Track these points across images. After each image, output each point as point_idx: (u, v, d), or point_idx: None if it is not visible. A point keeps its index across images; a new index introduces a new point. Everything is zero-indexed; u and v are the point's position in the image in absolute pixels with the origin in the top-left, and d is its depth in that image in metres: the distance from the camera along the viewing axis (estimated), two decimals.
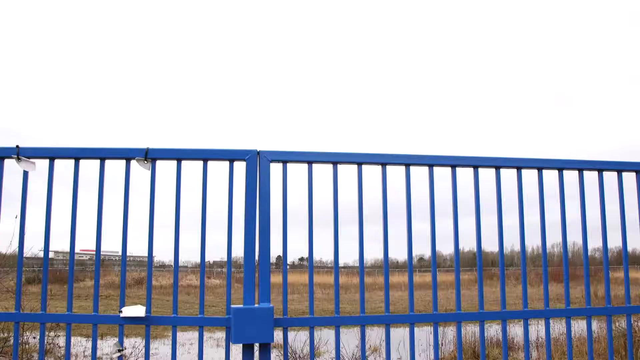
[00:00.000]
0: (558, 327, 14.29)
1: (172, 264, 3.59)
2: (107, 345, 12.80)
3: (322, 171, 3.68)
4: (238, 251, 3.54)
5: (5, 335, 6.95)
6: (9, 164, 3.45)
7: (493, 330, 14.40)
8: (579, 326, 12.80)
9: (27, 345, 6.67)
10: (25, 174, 3.46)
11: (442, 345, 13.18)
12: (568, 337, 3.87)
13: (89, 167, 3.54)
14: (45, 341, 3.55)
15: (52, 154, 3.45)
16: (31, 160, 3.42)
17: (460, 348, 3.74)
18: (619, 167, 4.02)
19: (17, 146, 3.39)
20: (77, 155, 3.46)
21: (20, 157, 3.39)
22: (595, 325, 12.42)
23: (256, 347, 3.48)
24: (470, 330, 13.12)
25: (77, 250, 3.58)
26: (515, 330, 15.26)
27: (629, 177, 4.09)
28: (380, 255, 3.83)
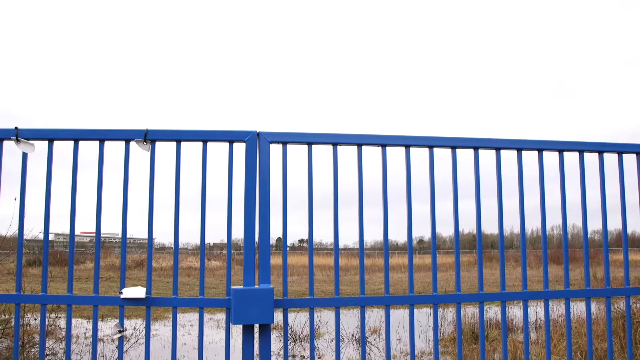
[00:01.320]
0: (557, 308, 14.38)
1: (172, 246, 3.60)
2: (107, 327, 12.87)
3: (322, 153, 3.68)
4: (238, 233, 3.55)
5: (7, 317, 6.98)
6: (8, 145, 3.44)
7: (492, 311, 14.49)
8: (577, 308, 12.89)
9: (28, 327, 6.70)
10: (25, 155, 3.45)
11: (441, 326, 13.26)
12: (567, 319, 3.89)
13: (88, 148, 3.53)
14: (46, 323, 3.56)
15: (51, 136, 3.44)
16: (30, 141, 3.41)
17: (460, 329, 3.75)
18: (620, 149, 4.01)
19: (16, 128, 3.38)
20: (76, 136, 3.45)
21: (19, 138, 3.38)
22: (594, 307, 12.47)
23: (256, 328, 3.49)
24: (470, 311, 13.19)
25: (77, 232, 3.59)
26: (515, 312, 15.35)
27: (629, 159, 4.09)
28: (380, 237, 3.84)
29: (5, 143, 3.44)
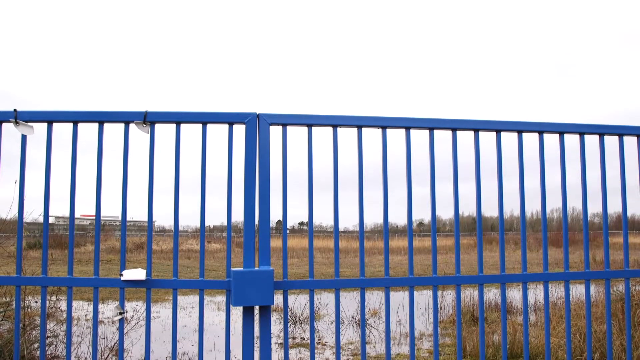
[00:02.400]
0: (556, 291, 14.43)
1: (172, 228, 3.60)
2: (108, 309, 12.92)
3: (322, 135, 3.67)
4: (238, 215, 3.55)
5: (8, 299, 7.01)
6: (7, 128, 3.43)
7: (492, 294, 14.54)
8: (577, 290, 12.94)
9: (29, 309, 6.72)
10: (24, 138, 3.45)
11: (441, 308, 13.30)
12: (567, 301, 3.90)
13: (87, 130, 3.53)
14: (47, 305, 3.57)
15: (50, 118, 3.43)
16: (29, 124, 3.40)
17: (459, 311, 3.76)
18: (621, 131, 4.00)
19: (15, 110, 3.37)
20: (76, 118, 3.44)
21: (18, 121, 3.37)
22: (593, 289, 12.51)
23: (256, 310, 3.50)
24: (469, 294, 13.24)
25: (77, 215, 3.59)
26: (514, 294, 15.41)
27: (630, 142, 4.08)
28: (379, 220, 3.84)
29: (4, 125, 3.43)
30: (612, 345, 4.23)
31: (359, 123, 3.64)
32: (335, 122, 3.61)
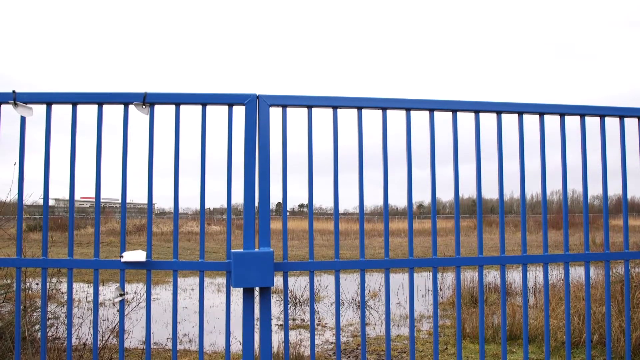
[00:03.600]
0: (556, 273, 14.47)
1: (172, 210, 3.60)
2: (108, 291, 12.97)
3: (322, 116, 3.66)
4: (238, 198, 3.55)
5: (8, 281, 7.02)
6: (6, 110, 3.42)
7: (491, 276, 14.59)
8: (576, 272, 12.97)
9: (30, 292, 6.74)
10: (23, 120, 3.43)
11: (440, 290, 13.35)
12: (566, 283, 3.90)
13: (87, 112, 3.51)
14: (47, 287, 3.57)
15: (49, 99, 3.41)
16: (28, 105, 3.39)
17: (459, 293, 3.77)
18: (621, 113, 3.99)
19: (14, 91, 3.36)
20: (75, 100, 3.42)
21: (17, 102, 3.36)
22: (592, 272, 12.55)
23: (256, 291, 3.51)
24: (469, 276, 13.27)
25: (77, 197, 3.59)
26: (514, 276, 15.45)
27: (631, 123, 4.07)
28: (379, 202, 3.85)
29: (3, 107, 3.42)
30: (611, 326, 4.24)
31: (359, 104, 3.62)
32: (335, 104, 3.59)
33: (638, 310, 7.33)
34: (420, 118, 3.75)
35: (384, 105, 3.65)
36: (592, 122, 3.98)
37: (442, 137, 3.81)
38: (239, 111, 3.50)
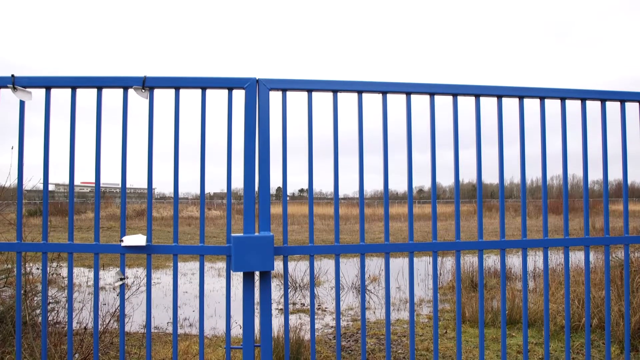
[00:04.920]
0: (555, 258, 14.50)
1: (172, 195, 3.59)
2: (109, 276, 13.00)
3: (322, 101, 3.65)
4: (238, 182, 3.54)
5: (9, 266, 7.03)
6: (5, 94, 3.41)
7: (491, 260, 14.61)
8: (576, 257, 12.99)
9: (30, 276, 6.75)
10: (22, 104, 3.42)
11: (440, 275, 13.39)
12: (566, 267, 3.91)
13: (86, 97, 3.50)
14: (48, 271, 3.58)
15: (48, 83, 3.40)
16: (27, 89, 3.38)
17: (459, 277, 3.78)
18: (623, 97, 3.98)
19: (13, 75, 3.34)
20: (74, 84, 3.41)
21: (16, 86, 3.34)
22: (592, 256, 12.57)
23: (257, 276, 3.51)
24: (469, 260, 13.30)
25: (77, 182, 3.58)
26: (513, 261, 15.49)
27: (632, 108, 4.05)
28: (379, 187, 3.85)
29: (2, 91, 3.41)
30: (610, 311, 4.25)
31: (359, 88, 3.61)
32: (335, 87, 3.58)
33: (637, 294, 7.35)
34: (420, 102, 3.74)
35: (384, 89, 3.64)
36: (593, 107, 3.97)
37: (442, 121, 3.80)
38: (239, 95, 3.49)
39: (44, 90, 3.42)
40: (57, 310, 6.68)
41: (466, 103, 3.78)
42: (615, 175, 4.09)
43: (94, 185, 3.45)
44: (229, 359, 3.56)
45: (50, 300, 7.43)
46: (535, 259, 15.32)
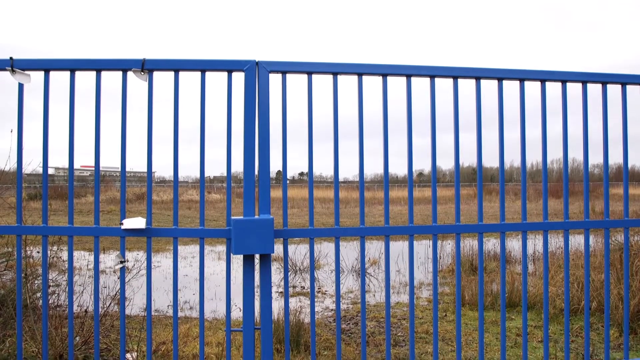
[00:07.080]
0: (555, 241, 14.52)
1: (172, 179, 3.59)
2: (109, 259, 13.02)
3: (322, 84, 3.64)
4: (238, 166, 3.54)
5: (10, 249, 7.04)
6: (4, 76, 3.39)
7: (490, 244, 14.64)
8: (575, 241, 13.01)
9: (31, 259, 6.76)
10: (21, 87, 3.41)
11: (440, 258, 13.41)
12: (565, 250, 3.91)
13: (85, 79, 3.49)
14: (48, 255, 3.58)
15: (47, 66, 3.38)
16: (26, 72, 3.36)
17: (459, 260, 3.78)
18: (624, 80, 3.96)
19: (11, 58, 3.32)
20: (73, 66, 3.39)
21: (14, 69, 3.33)
22: (592, 240, 12.58)
23: (257, 259, 3.51)
24: (468, 244, 13.32)
25: (77, 166, 3.58)
26: (513, 244, 15.51)
27: (633, 91, 4.04)
28: (379, 170, 3.84)
29: (1, 74, 3.39)
30: (610, 294, 4.26)
31: (360, 70, 3.59)
32: (335, 70, 3.56)
33: (637, 277, 7.37)
34: (421, 85, 3.72)
35: (384, 71, 3.62)
36: (594, 90, 3.96)
37: (442, 104, 3.79)
38: (239, 78, 3.48)
39: (42, 72, 3.41)
40: (58, 294, 6.70)
41: (467, 86, 3.77)
42: (615, 159, 4.09)
43: (93, 168, 3.44)
44: (229, 341, 3.57)
45: (51, 284, 7.45)
46: (535, 243, 15.35)
